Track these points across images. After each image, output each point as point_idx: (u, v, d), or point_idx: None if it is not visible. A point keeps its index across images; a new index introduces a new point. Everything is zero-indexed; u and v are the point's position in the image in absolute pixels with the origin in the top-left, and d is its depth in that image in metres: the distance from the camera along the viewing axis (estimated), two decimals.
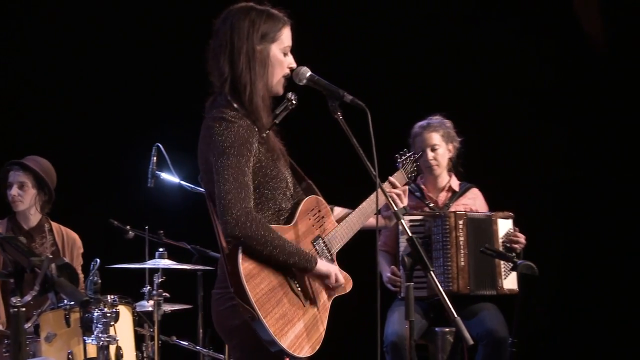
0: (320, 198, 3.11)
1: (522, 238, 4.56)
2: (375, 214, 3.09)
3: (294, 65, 3.00)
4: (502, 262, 4.52)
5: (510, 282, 4.55)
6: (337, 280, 2.97)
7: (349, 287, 3.07)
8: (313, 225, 3.02)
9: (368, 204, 3.20)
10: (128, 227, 5.01)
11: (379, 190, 2.97)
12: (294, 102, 3.06)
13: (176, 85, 5.73)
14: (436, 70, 5.94)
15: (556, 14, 5.93)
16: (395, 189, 3.23)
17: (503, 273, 4.54)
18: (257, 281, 2.76)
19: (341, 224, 3.12)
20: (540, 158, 5.89)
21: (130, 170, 5.24)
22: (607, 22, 5.88)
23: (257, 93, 2.90)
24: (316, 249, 3.01)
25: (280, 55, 2.97)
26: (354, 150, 2.92)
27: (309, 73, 3.01)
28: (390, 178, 3.27)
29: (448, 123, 4.80)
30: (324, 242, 3.05)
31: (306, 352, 2.82)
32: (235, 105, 2.88)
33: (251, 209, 2.78)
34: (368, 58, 5.98)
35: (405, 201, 3.22)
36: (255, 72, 2.90)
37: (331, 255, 3.06)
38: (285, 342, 2.74)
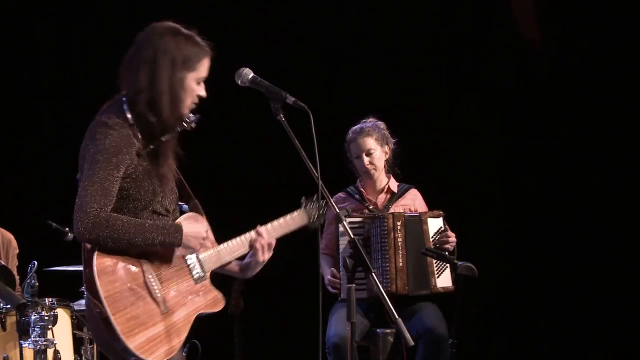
0: (201, 216, 3.10)
1: (452, 237, 4.60)
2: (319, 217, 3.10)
3: (203, 94, 3.00)
4: (434, 260, 4.56)
5: (443, 280, 4.59)
6: (208, 235, 2.98)
7: (217, 307, 3.07)
8: None
9: (247, 238, 3.16)
10: (67, 229, 4.93)
11: (321, 191, 2.99)
12: (192, 124, 3.01)
13: (113, 85, 5.67)
14: (374, 71, 5.98)
15: (490, 14, 6.03)
16: (260, 238, 3.15)
17: (436, 272, 4.58)
18: (111, 278, 2.77)
19: (221, 246, 3.11)
20: (477, 158, 5.96)
21: (69, 171, 5.15)
22: (543, 25, 6.00)
23: (171, 114, 2.92)
24: (187, 264, 3.01)
25: (194, 85, 2.97)
26: (296, 152, 2.93)
27: (251, 75, 3.02)
28: (259, 228, 3.17)
29: (381, 125, 4.82)
30: (198, 259, 3.04)
31: (156, 357, 2.80)
32: (128, 115, 2.90)
33: (104, 211, 2.77)
34: (308, 60, 5.99)
35: (267, 256, 3.15)
36: (177, 97, 2.92)
37: (204, 272, 3.04)
38: (132, 344, 2.74)
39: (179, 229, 2.90)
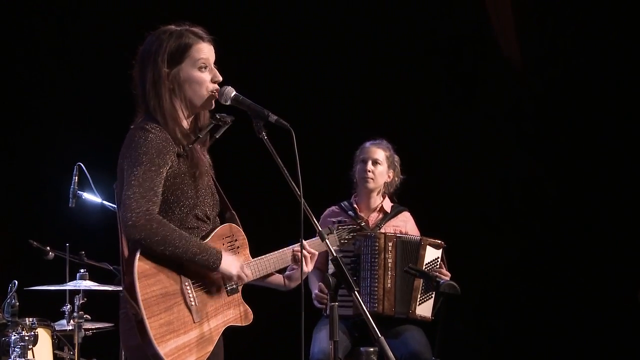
0: (238, 228, 3.10)
1: (446, 276, 4.55)
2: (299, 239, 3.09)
3: (219, 78, 2.99)
4: (421, 289, 4.53)
5: (424, 309, 4.57)
6: (239, 277, 2.97)
7: (247, 321, 3.07)
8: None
9: (289, 251, 3.17)
10: (48, 248, 4.91)
11: (304, 211, 2.98)
12: (225, 121, 3.02)
13: (98, 104, 5.67)
14: (363, 91, 5.99)
15: (476, 32, 6.08)
16: (305, 250, 3.11)
17: (419, 298, 4.56)
18: (150, 282, 2.78)
19: (256, 260, 3.10)
20: (465, 182, 5.97)
21: (51, 189, 5.14)
22: (524, 45, 6.05)
23: (168, 115, 2.91)
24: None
25: (196, 73, 2.96)
26: (279, 171, 2.93)
27: (233, 93, 3.01)
28: (303, 241, 3.10)
29: (397, 157, 4.84)
30: None
31: None
32: (161, 122, 2.91)
33: (153, 211, 2.79)
34: (294, 78, 5.99)
35: (311, 266, 3.15)
36: (163, 97, 2.92)
37: (236, 285, 3.03)
38: (163, 350, 2.74)
39: (219, 256, 2.90)
